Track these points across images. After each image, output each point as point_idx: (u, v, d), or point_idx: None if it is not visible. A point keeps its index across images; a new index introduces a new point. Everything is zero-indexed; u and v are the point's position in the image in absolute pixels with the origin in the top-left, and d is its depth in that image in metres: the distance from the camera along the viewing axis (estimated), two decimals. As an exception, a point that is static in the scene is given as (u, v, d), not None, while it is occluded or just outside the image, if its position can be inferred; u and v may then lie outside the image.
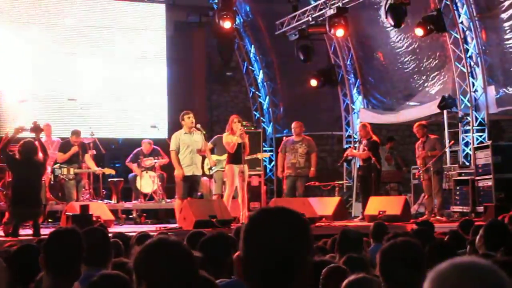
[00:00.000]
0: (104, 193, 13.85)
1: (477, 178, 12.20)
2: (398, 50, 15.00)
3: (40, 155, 10.02)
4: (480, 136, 13.33)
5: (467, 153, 13.49)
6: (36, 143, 10.08)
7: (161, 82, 16.98)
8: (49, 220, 12.63)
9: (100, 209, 11.64)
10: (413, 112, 14.61)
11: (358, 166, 13.83)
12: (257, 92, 18.69)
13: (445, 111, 13.52)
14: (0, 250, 5.21)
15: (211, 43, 17.78)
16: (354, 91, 16.58)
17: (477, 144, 12.99)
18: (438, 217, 12.01)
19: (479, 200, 12.05)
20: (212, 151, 12.71)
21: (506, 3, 12.59)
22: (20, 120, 13.03)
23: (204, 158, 12.28)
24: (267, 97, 18.58)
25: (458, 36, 13.30)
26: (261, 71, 18.62)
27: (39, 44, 15.86)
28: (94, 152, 13.41)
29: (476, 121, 13.37)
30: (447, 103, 13.29)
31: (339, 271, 3.61)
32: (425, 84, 14.49)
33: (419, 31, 13.28)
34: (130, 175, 14.05)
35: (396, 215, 11.58)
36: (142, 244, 2.43)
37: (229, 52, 18.00)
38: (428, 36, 13.51)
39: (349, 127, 16.74)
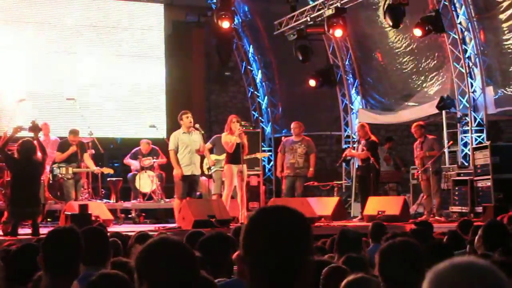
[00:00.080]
0: (103, 192, 13.84)
1: (476, 178, 12.20)
2: (396, 50, 15.00)
3: (39, 154, 10.02)
4: (479, 136, 13.34)
5: (466, 153, 13.51)
6: (35, 142, 10.07)
7: (160, 82, 16.98)
8: (48, 219, 12.63)
9: (99, 209, 11.64)
10: (411, 112, 14.61)
11: (357, 166, 13.83)
12: (255, 92, 18.69)
13: (443, 112, 13.53)
14: (1, 249, 5.21)
15: (210, 43, 17.79)
16: (353, 91, 16.59)
17: (476, 144, 13.00)
18: (437, 217, 12.03)
19: (478, 201, 12.06)
20: (211, 151, 12.71)
21: (505, 4, 12.60)
22: (19, 119, 13.04)
23: (203, 157, 12.28)
24: (266, 97, 18.59)
25: (457, 37, 13.31)
26: (259, 71, 18.62)
27: (37, 43, 15.86)
28: (93, 151, 13.40)
29: (475, 121, 13.38)
30: (445, 103, 13.30)
31: (339, 271, 3.61)
32: (424, 85, 14.50)
33: (417, 32, 13.28)
34: (129, 174, 14.05)
35: (395, 215, 11.59)
36: (141, 243, 2.43)
37: (227, 52, 18.00)
38: (427, 36, 13.52)
39: (347, 127, 16.74)
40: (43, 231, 9.01)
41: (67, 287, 3.42)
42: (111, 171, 13.30)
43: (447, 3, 13.16)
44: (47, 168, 12.08)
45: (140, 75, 16.73)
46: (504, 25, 12.71)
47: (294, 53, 15.77)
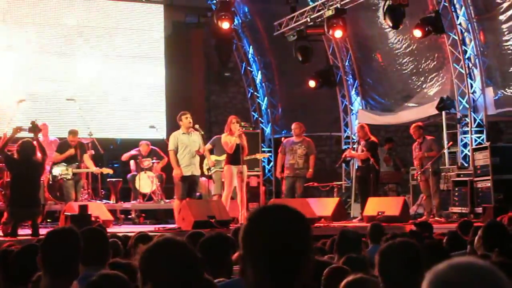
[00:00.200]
0: (103, 193, 13.84)
1: (476, 179, 12.21)
2: (396, 51, 15.01)
3: (39, 155, 10.02)
4: (479, 137, 13.34)
5: (466, 154, 13.51)
6: (35, 143, 10.07)
7: (159, 83, 16.98)
8: (48, 220, 12.61)
9: (99, 209, 11.64)
10: (411, 113, 14.61)
11: (356, 167, 13.83)
12: (255, 93, 18.70)
13: (443, 112, 13.54)
14: (1, 250, 5.20)
15: (210, 43, 17.80)
16: (353, 92, 16.59)
17: (476, 145, 13.00)
18: (436, 218, 12.03)
19: (478, 201, 12.06)
20: (211, 152, 12.71)
21: (505, 5, 12.61)
22: (18, 120, 13.03)
23: (203, 158, 12.28)
24: (266, 98, 18.59)
25: (457, 38, 13.32)
26: (259, 72, 18.63)
27: (37, 44, 15.86)
28: (93, 152, 13.40)
29: (475, 122, 13.38)
30: (445, 104, 13.31)
31: (340, 271, 3.61)
32: (424, 86, 14.50)
33: (417, 33, 13.29)
34: (129, 175, 14.06)
35: (394, 216, 11.58)
36: (142, 244, 2.43)
37: (227, 53, 18.01)
38: (427, 37, 13.53)
39: (347, 128, 16.74)
40: (43, 231, 9.01)
41: (66, 287, 3.42)
42: (111, 171, 13.30)
43: (447, 4, 13.17)
44: (47, 168, 12.08)
45: (140, 76, 16.72)
46: (504, 26, 12.71)
47: (294, 54, 15.77)
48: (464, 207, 12.37)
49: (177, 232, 9.86)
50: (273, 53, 18.10)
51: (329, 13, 14.16)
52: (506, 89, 12.93)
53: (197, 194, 12.15)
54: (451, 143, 13.42)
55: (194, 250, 2.42)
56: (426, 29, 13.13)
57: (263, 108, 18.68)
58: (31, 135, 10.39)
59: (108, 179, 13.86)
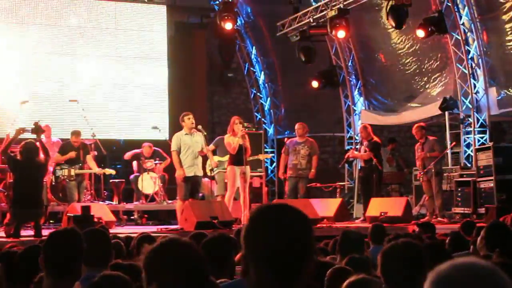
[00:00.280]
0: (105, 194, 13.86)
1: (479, 179, 12.19)
2: (399, 51, 15.00)
3: (42, 156, 10.02)
4: (482, 137, 13.32)
5: (469, 154, 13.49)
6: (38, 144, 10.08)
7: (162, 83, 16.99)
8: (51, 221, 12.62)
9: (102, 210, 11.65)
10: (414, 113, 14.60)
11: (359, 167, 13.82)
12: (258, 94, 18.70)
13: (446, 113, 13.53)
14: (3, 251, 5.21)
15: (212, 44, 17.80)
16: (356, 92, 16.58)
17: (479, 145, 12.98)
18: (439, 219, 12.02)
19: (481, 202, 12.04)
20: (214, 153, 12.70)
21: (508, 5, 12.58)
22: (21, 121, 13.05)
23: (205, 159, 12.28)
24: (269, 99, 18.59)
25: (460, 38, 13.30)
26: (262, 72, 18.63)
27: (40, 45, 15.87)
28: (96, 153, 13.42)
29: (478, 122, 13.37)
30: (448, 104, 13.29)
31: (343, 272, 3.61)
32: (427, 86, 14.49)
33: (420, 33, 13.28)
34: (132, 176, 14.07)
35: (397, 217, 11.58)
36: (146, 244, 2.43)
37: (230, 54, 18.02)
38: (430, 37, 13.52)
39: (350, 129, 16.73)
40: (46, 232, 9.01)
41: (68, 288, 3.42)
42: (113, 172, 13.30)
43: (450, 4, 13.15)
44: (50, 169, 12.09)
45: (143, 76, 16.73)
46: (507, 25, 12.69)
47: (297, 54, 15.78)
48: (467, 207, 12.35)
49: (179, 233, 9.86)
50: (276, 53, 18.09)
51: (332, 13, 14.16)
52: (510, 89, 12.91)
53: (200, 194, 12.15)
54: (454, 143, 13.40)
55: (199, 251, 2.42)
56: (429, 29, 13.12)
57: (266, 108, 18.68)
58: (34, 136, 10.40)
59: (111, 180, 13.87)
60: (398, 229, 8.97)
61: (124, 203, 13.73)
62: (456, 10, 13.22)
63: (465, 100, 13.46)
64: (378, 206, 12.09)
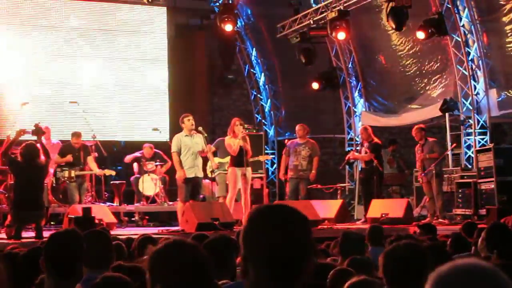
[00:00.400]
0: (106, 195, 13.86)
1: (480, 180, 12.19)
2: (399, 53, 15.00)
3: (42, 157, 10.03)
4: (482, 139, 13.33)
5: (469, 156, 13.49)
6: (38, 145, 10.08)
7: (163, 85, 17.00)
8: (52, 222, 12.63)
9: (103, 212, 11.65)
10: (415, 115, 14.60)
11: (360, 168, 13.81)
12: (258, 95, 18.70)
13: (447, 114, 13.53)
14: (6, 252, 5.21)
15: (213, 46, 17.80)
16: (356, 94, 16.59)
17: (479, 147, 12.99)
18: (440, 220, 12.01)
19: (482, 203, 12.05)
20: (214, 154, 12.70)
21: (508, 6, 12.59)
22: (22, 122, 13.05)
23: (206, 160, 12.28)
24: (269, 100, 18.59)
25: (460, 39, 13.31)
26: (262, 74, 18.63)
27: (40, 46, 15.88)
28: (96, 154, 13.42)
29: (478, 124, 13.37)
30: (449, 106, 13.30)
31: (345, 273, 3.61)
32: (427, 87, 14.49)
33: (420, 34, 13.29)
34: (132, 177, 14.07)
35: (398, 218, 11.58)
36: (150, 245, 2.42)
37: (230, 55, 18.02)
38: (430, 39, 13.52)
39: (351, 130, 16.74)
40: (47, 234, 9.01)
41: (69, 290, 3.42)
42: (113, 173, 13.29)
43: (450, 6, 13.16)
44: (51, 171, 12.09)
45: (143, 78, 16.75)
46: (507, 27, 12.70)
47: (297, 56, 15.78)
48: (468, 208, 12.36)
49: (180, 234, 9.85)
50: (276, 55, 18.10)
51: (332, 15, 14.17)
52: (510, 90, 12.92)
53: (201, 196, 12.15)
54: (454, 144, 13.40)
55: (203, 252, 2.41)
56: (429, 30, 13.12)
57: (266, 110, 18.68)
58: (35, 137, 10.40)
59: (112, 182, 13.87)
60: (399, 231, 8.96)
61: (125, 204, 13.73)
62: (456, 11, 13.23)
63: (465, 102, 13.46)
64: (379, 208, 12.09)
